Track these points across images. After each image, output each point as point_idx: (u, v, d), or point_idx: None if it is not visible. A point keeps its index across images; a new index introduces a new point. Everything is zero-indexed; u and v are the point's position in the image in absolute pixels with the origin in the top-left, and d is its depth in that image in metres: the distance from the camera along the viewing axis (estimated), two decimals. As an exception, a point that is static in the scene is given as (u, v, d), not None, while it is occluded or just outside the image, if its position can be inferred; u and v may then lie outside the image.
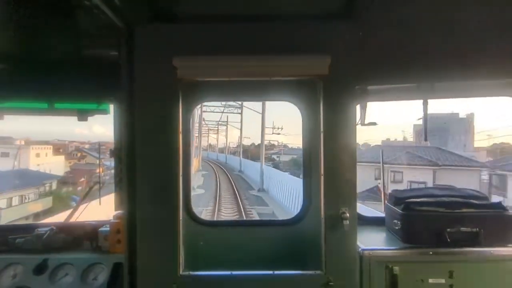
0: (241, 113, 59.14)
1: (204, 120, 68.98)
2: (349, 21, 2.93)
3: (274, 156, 69.35)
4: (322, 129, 2.96)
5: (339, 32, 2.92)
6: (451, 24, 3.16)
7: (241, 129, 60.51)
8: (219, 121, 75.34)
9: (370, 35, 3.06)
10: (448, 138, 48.67)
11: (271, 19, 2.97)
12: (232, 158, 70.22)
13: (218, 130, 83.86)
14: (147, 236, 2.90)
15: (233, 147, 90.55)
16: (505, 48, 3.02)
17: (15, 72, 3.37)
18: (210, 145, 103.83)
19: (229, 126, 73.23)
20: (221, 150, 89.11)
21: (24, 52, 3.42)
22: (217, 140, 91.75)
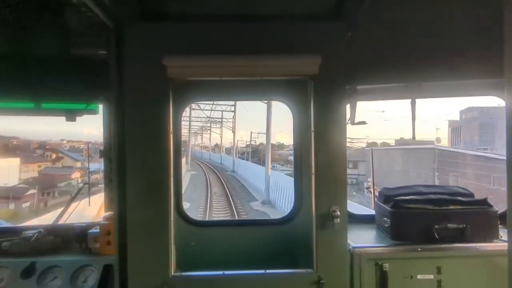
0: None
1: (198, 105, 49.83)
2: (339, 22, 2.96)
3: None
4: (312, 129, 2.99)
5: (329, 33, 2.96)
6: (438, 25, 3.23)
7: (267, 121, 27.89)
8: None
9: (360, 35, 3.10)
10: (495, 136, 42.35)
11: (262, 19, 2.98)
12: (242, 163, 46.28)
13: (221, 120, 63.58)
14: (138, 237, 2.88)
15: (241, 147, 74.47)
16: (490, 49, 3.10)
17: (0, 71, 3.29)
18: (216, 145, 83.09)
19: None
20: (229, 151, 67.17)
21: (10, 50, 3.34)
22: (221, 136, 72.09)
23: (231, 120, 55.26)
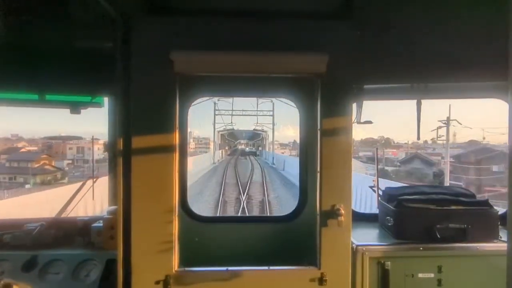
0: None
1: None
2: (347, 21, 2.96)
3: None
4: (319, 127, 2.99)
5: (337, 32, 2.95)
6: (445, 27, 3.25)
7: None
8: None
9: (367, 35, 3.10)
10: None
11: (270, 16, 2.97)
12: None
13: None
14: (141, 231, 2.87)
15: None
16: (495, 51, 3.12)
17: (4, 62, 3.24)
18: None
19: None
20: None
21: (14, 41, 3.28)
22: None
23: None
